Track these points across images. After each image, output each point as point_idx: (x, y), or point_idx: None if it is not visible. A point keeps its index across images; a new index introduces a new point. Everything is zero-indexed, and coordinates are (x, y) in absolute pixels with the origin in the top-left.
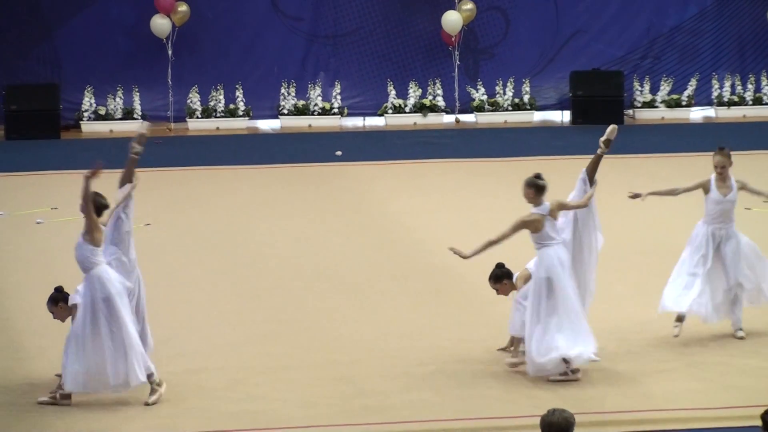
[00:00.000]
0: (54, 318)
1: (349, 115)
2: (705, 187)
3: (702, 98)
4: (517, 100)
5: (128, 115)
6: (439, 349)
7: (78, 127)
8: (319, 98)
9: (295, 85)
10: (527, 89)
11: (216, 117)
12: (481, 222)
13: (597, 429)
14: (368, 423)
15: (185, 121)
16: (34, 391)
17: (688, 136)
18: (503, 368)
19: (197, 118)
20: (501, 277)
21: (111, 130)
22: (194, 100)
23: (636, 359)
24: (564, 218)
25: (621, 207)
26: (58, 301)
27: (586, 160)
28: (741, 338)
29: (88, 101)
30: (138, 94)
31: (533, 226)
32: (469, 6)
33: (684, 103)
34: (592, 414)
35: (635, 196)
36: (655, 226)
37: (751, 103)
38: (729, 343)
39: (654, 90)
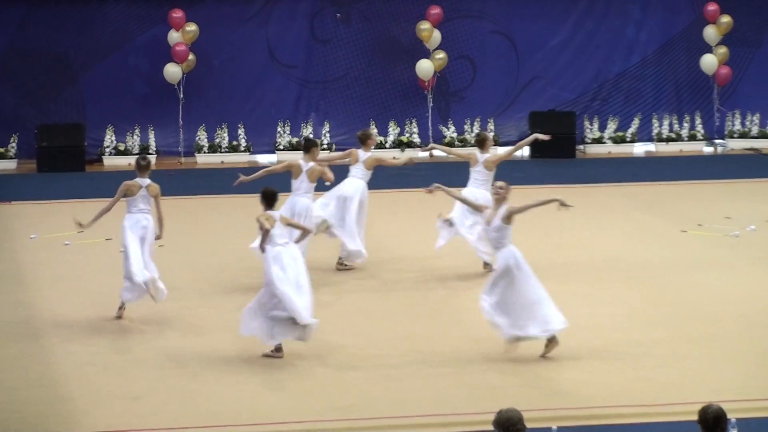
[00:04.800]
0: None
1: (338, 149)
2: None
3: (644, 135)
4: None
5: (144, 150)
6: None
7: (101, 161)
8: (311, 135)
9: (289, 124)
10: (492, 127)
11: (221, 152)
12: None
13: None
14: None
15: (194, 155)
16: None
17: (632, 168)
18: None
19: (204, 152)
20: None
21: (130, 164)
22: (202, 137)
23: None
24: None
25: (578, 227)
26: None
27: (542, 189)
28: None
29: (109, 138)
30: (153, 132)
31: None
32: (441, 55)
33: (628, 139)
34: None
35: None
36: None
37: (686, 139)
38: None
39: (602, 128)
